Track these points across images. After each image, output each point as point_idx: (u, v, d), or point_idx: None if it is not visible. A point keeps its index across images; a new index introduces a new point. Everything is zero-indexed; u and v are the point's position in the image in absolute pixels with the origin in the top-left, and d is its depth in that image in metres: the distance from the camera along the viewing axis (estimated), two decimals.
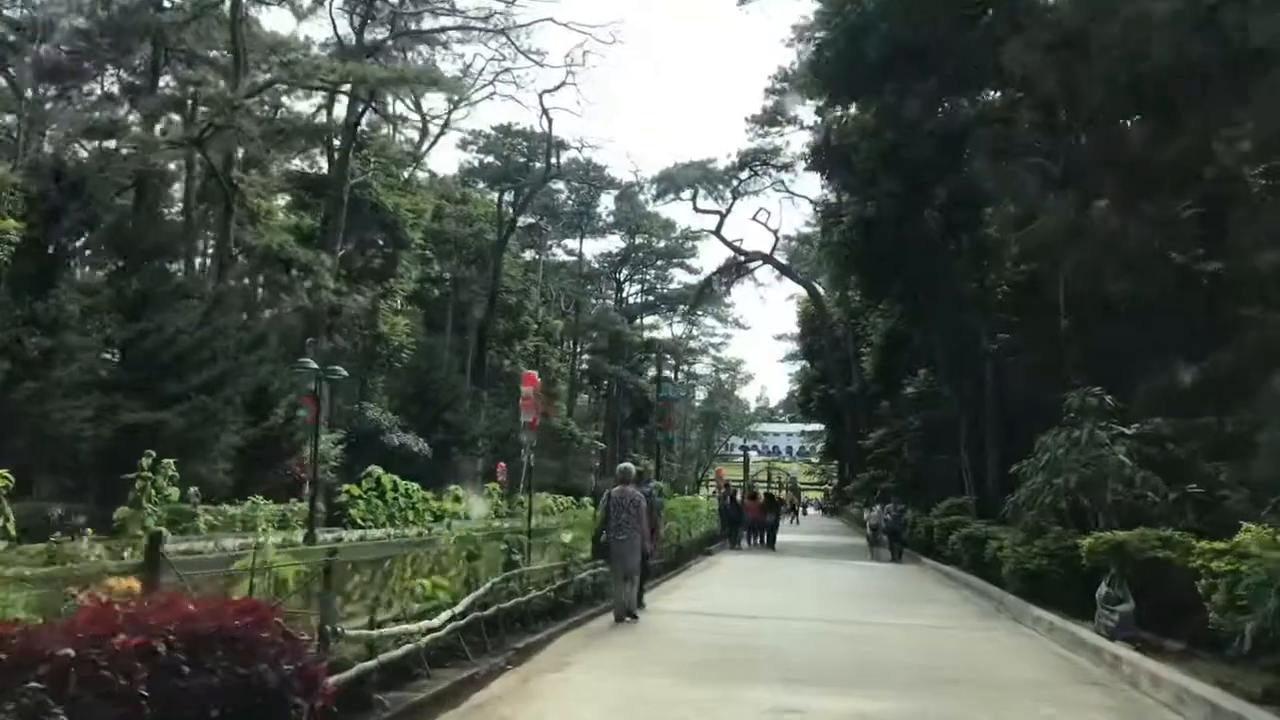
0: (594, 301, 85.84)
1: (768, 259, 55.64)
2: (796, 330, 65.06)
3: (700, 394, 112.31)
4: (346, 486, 24.14)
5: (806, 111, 48.60)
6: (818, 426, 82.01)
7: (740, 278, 59.20)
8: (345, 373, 23.56)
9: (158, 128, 32.95)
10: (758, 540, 30.00)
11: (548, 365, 65.56)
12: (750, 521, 29.76)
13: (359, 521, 23.55)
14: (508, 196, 65.96)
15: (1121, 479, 13.02)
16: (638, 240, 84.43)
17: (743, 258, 56.39)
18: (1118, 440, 13.57)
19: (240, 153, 42.35)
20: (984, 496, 27.02)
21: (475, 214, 53.31)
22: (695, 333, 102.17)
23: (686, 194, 57.00)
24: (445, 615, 7.97)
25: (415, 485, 27.99)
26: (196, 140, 31.07)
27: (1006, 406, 28.19)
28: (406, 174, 48.58)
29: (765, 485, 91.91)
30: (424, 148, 50.09)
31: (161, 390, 24.75)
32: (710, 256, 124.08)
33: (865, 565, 24.23)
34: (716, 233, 55.48)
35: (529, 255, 73.19)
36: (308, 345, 29.52)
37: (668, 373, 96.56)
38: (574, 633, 10.44)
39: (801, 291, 62.66)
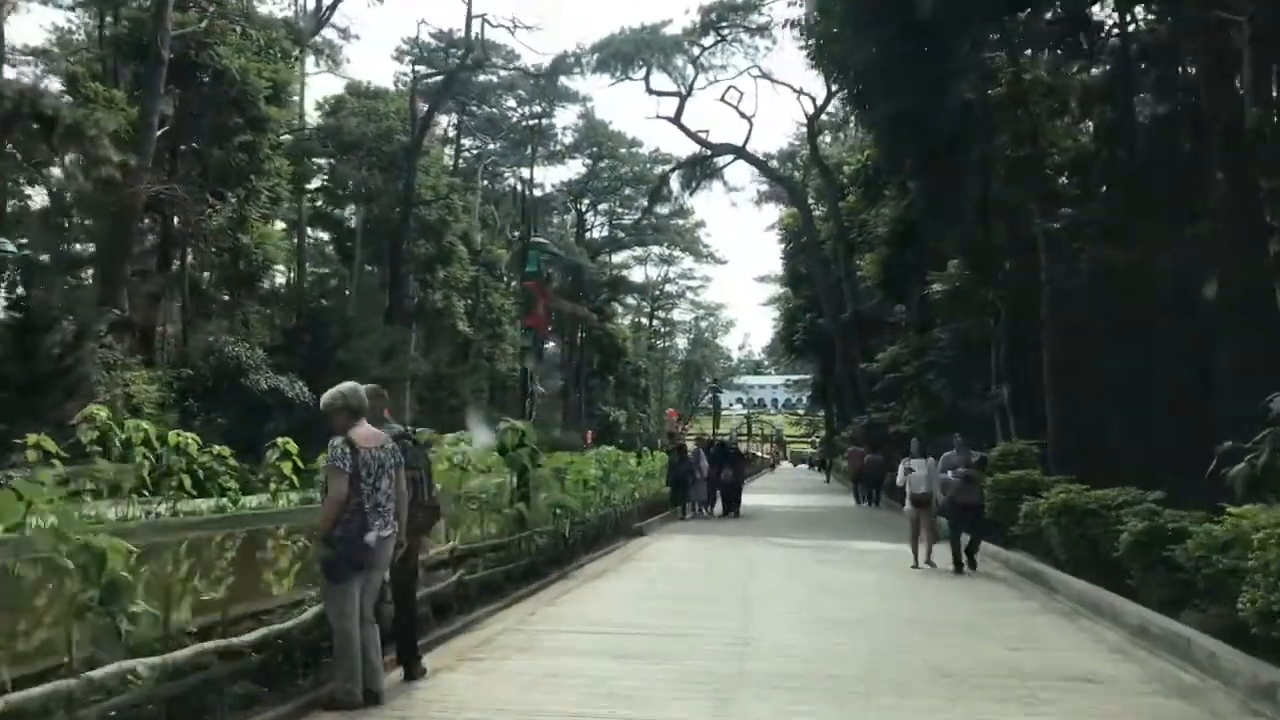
0: (551, 232, 76.56)
1: (739, 152, 45.40)
2: (780, 253, 56.00)
3: (680, 342, 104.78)
4: (33, 438, 14.60)
5: None
6: (804, 376, 74.06)
7: (707, 178, 49.27)
8: (12, 248, 14.67)
9: None
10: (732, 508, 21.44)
11: (489, 300, 56.48)
12: (704, 481, 20.88)
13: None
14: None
15: None
16: (600, 165, 75.05)
17: (709, 151, 46.25)
18: None
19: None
20: (1044, 443, 18.58)
21: (387, 110, 43.73)
22: (671, 274, 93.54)
23: (638, 74, 46.73)
24: None
25: (191, 437, 18.01)
26: None
27: (1063, 318, 19.85)
28: (294, 63, 38.94)
29: (744, 439, 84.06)
30: (312, 25, 40.28)
31: None
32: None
33: (897, 559, 13.88)
34: (675, 120, 45.30)
35: (484, 184, 63.73)
36: None
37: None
38: None
39: (783, 211, 53.55)
